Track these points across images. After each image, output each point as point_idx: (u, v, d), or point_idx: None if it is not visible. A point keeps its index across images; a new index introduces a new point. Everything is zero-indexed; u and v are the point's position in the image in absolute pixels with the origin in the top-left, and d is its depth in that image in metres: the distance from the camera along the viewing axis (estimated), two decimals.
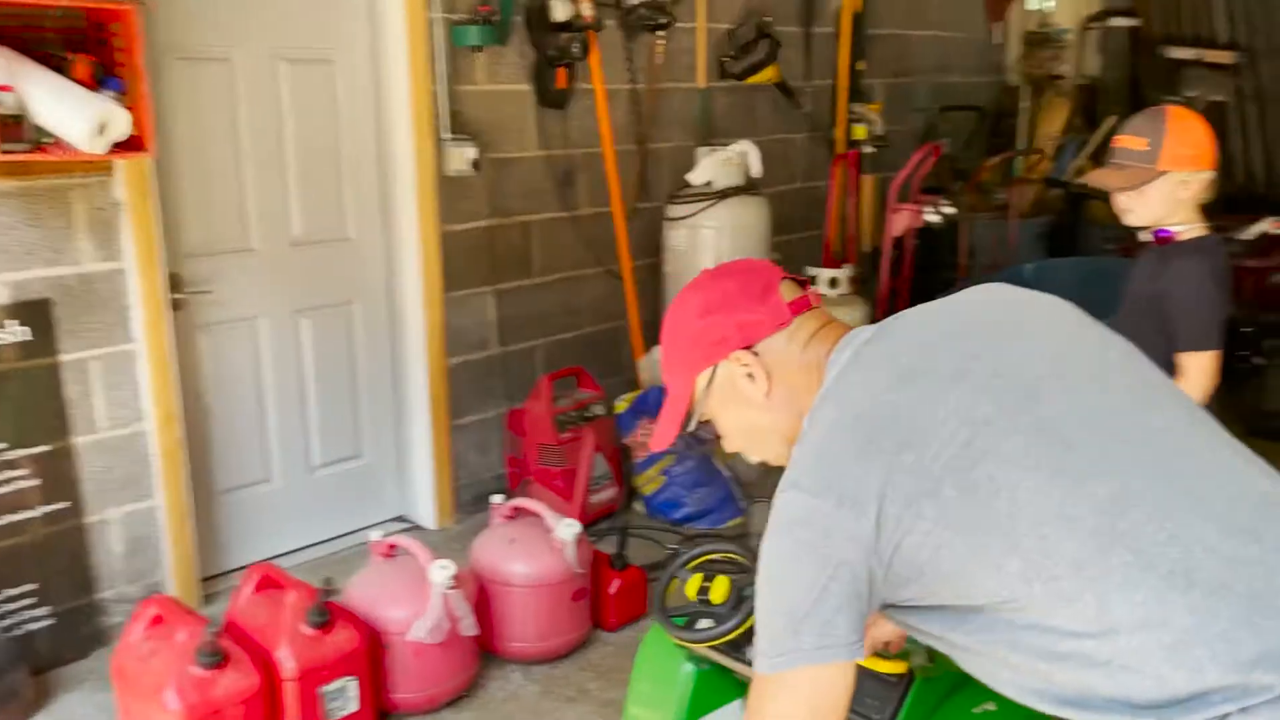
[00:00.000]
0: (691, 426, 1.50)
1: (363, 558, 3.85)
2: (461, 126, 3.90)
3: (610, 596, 3.33)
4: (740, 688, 2.20)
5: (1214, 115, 7.13)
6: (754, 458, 1.51)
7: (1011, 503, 1.17)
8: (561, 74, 4.08)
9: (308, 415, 3.87)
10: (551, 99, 4.12)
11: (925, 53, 5.85)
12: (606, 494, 4.11)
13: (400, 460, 4.15)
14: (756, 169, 4.34)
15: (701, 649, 2.06)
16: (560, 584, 3.13)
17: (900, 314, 1.41)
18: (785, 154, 5.09)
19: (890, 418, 1.23)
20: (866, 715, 1.88)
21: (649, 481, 4.11)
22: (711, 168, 4.25)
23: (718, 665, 2.17)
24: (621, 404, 4.17)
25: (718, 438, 1.53)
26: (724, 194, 4.20)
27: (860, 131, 5.12)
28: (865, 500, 1.19)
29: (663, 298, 4.47)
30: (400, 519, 4.18)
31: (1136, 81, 7.47)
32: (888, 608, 1.30)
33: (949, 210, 4.84)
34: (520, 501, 3.26)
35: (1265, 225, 4.38)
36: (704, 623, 2.03)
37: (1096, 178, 2.58)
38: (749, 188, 4.32)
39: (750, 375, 1.39)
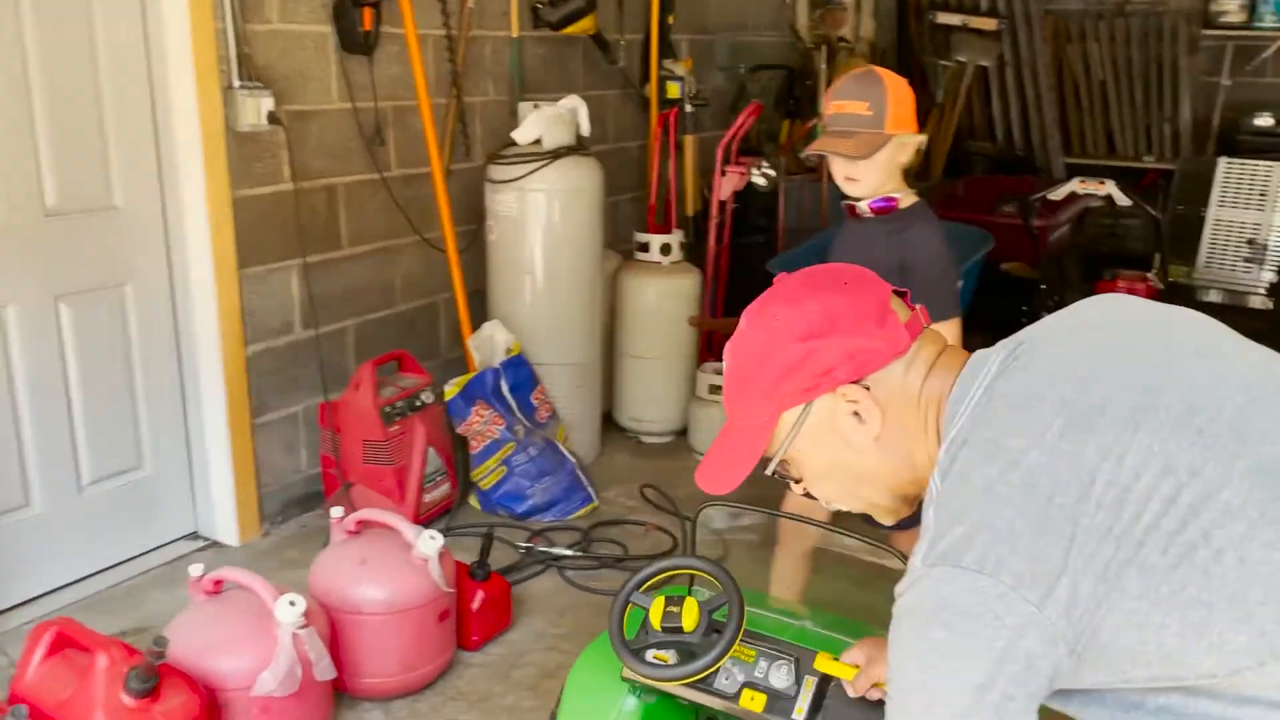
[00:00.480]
0: (770, 470, 1.20)
1: (153, 588, 3.27)
2: (253, 73, 3.31)
3: (473, 612, 2.93)
4: (685, 712, 1.91)
5: (979, 80, 7.47)
6: (842, 506, 1.24)
7: (1240, 565, 0.94)
8: (368, 14, 3.55)
9: (74, 422, 3.19)
10: (356, 43, 3.58)
11: (725, 9, 5.66)
12: (440, 491, 3.67)
13: (192, 468, 3.52)
14: (586, 127, 3.99)
15: (673, 686, 1.75)
16: (425, 606, 2.70)
17: (1021, 337, 1.14)
18: (599, 112, 4.74)
19: (1069, 470, 0.97)
20: None
21: (488, 474, 3.71)
22: (539, 125, 3.85)
23: (664, 696, 1.88)
24: (452, 389, 3.73)
25: (797, 480, 1.23)
26: (556, 154, 3.82)
27: (673, 89, 4.86)
28: (1050, 576, 0.94)
29: (487, 268, 4.05)
30: (194, 536, 3.56)
31: (907, 46, 7.67)
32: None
33: (770, 172, 4.69)
34: (369, 513, 2.79)
35: (1073, 185, 4.51)
36: (656, 654, 1.72)
37: (826, 145, 2.37)
38: (580, 147, 3.96)
39: (857, 414, 1.12)
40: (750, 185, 4.72)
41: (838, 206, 2.56)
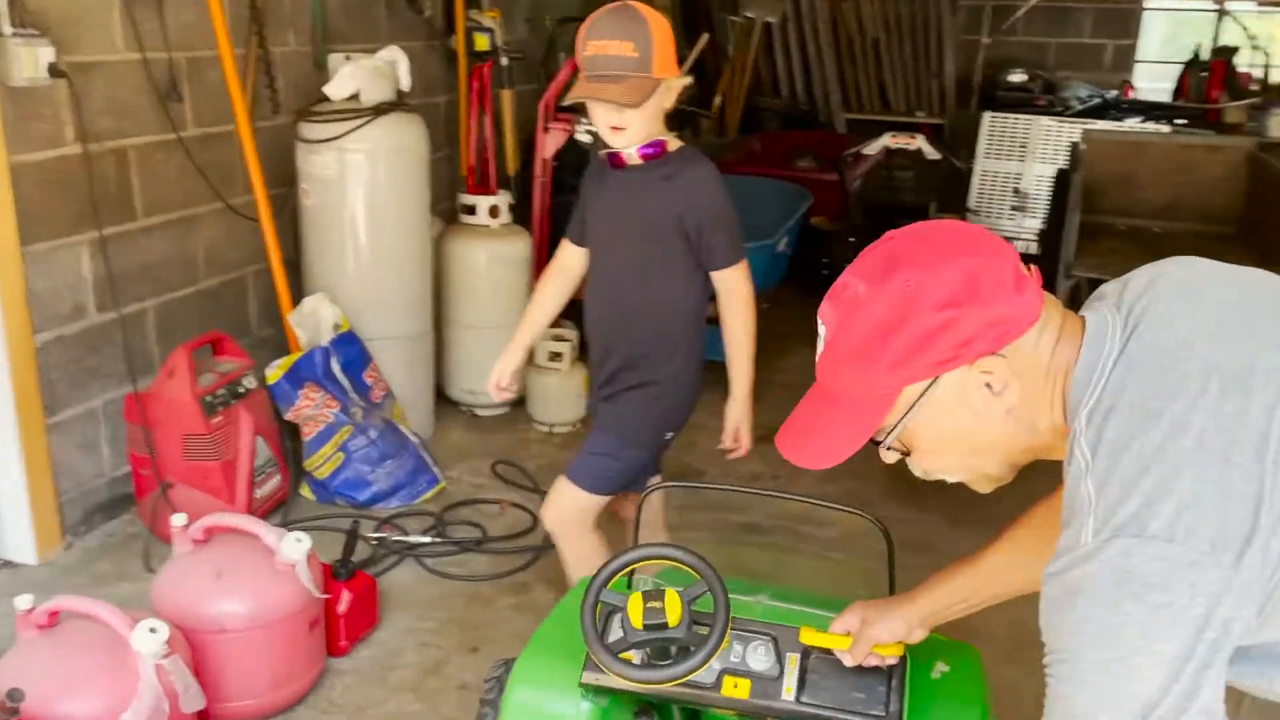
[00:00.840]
0: (887, 443, 1.10)
1: None
2: (27, 18, 2.83)
3: (340, 615, 2.68)
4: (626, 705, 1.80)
5: (765, 37, 7.58)
6: (948, 477, 1.17)
7: None
8: None
9: None
10: None
11: None
12: (272, 484, 3.34)
13: None
14: (406, 81, 3.70)
15: (666, 688, 1.61)
16: (295, 615, 2.43)
17: (1121, 299, 1.08)
18: None
19: (1241, 430, 0.95)
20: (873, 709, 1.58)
21: (324, 461, 3.41)
22: (356, 78, 3.53)
23: (616, 697, 1.76)
24: (275, 372, 3.38)
25: (905, 453, 1.13)
26: (378, 110, 3.52)
27: (481, 41, 4.61)
28: (1242, 538, 0.92)
29: (301, 236, 3.70)
30: None
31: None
32: None
33: (593, 128, 4.51)
34: (220, 519, 2.48)
35: (886, 140, 4.63)
36: (622, 654, 1.59)
37: (592, 92, 2.16)
38: (401, 103, 3.66)
39: (989, 385, 1.05)
40: (569, 142, 4.55)
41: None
